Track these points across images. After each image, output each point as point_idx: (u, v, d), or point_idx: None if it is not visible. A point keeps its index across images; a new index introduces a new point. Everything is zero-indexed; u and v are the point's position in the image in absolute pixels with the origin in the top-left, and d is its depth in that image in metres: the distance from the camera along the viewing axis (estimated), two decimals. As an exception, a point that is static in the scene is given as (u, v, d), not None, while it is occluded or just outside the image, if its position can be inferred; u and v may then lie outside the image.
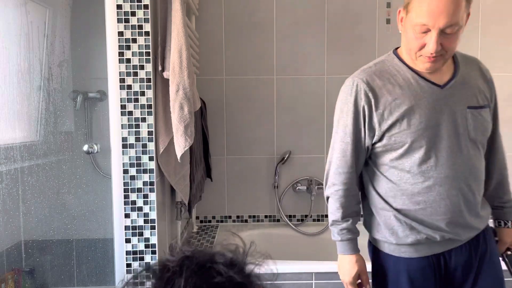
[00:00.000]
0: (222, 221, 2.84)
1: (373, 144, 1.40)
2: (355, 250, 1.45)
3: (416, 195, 1.36)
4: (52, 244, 2.27)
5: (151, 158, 1.85)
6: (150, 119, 1.85)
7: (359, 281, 1.47)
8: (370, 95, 1.36)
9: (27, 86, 2.19)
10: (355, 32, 2.75)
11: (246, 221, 2.84)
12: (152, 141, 1.85)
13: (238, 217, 2.83)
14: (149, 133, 1.85)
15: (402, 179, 1.37)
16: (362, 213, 1.51)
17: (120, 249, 1.87)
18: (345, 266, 1.46)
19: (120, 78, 1.82)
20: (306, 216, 2.80)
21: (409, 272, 1.41)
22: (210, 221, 2.84)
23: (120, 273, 1.87)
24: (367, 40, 2.75)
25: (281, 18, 2.74)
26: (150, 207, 1.86)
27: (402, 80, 1.37)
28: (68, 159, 2.28)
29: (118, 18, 1.80)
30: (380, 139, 1.37)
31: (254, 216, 2.83)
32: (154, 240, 1.87)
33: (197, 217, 2.83)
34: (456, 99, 1.35)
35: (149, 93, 1.84)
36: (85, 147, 2.23)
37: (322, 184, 2.77)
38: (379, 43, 2.75)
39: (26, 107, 2.21)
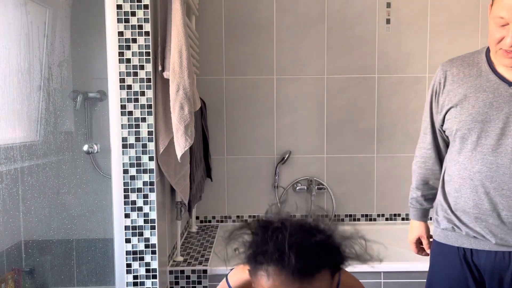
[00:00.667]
0: (222, 221, 2.84)
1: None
2: (419, 218, 1.59)
3: (456, 183, 1.41)
4: (52, 244, 2.27)
5: (151, 158, 1.86)
6: (150, 119, 1.85)
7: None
8: (442, 81, 1.45)
9: (27, 86, 2.19)
10: (355, 32, 2.75)
11: (246, 221, 2.83)
12: (152, 141, 1.85)
13: (238, 217, 2.84)
14: (149, 133, 1.85)
15: (449, 165, 1.44)
16: None
17: (120, 249, 1.87)
18: (410, 227, 1.63)
19: (120, 78, 1.83)
20: (306, 216, 2.79)
21: (433, 254, 1.51)
22: (210, 221, 2.85)
23: (120, 273, 1.87)
24: (367, 40, 2.75)
25: (281, 18, 2.74)
26: (150, 207, 1.86)
27: (475, 72, 1.39)
28: (68, 159, 2.28)
29: (118, 18, 1.80)
30: (442, 124, 1.46)
31: (254, 216, 2.83)
32: (154, 240, 1.87)
33: (197, 217, 2.83)
34: None
35: (149, 93, 1.84)
36: (85, 147, 2.23)
37: (322, 184, 2.79)
38: (379, 43, 2.75)
39: (26, 107, 2.21)
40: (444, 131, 1.48)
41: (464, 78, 1.39)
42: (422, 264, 2.10)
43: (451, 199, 1.43)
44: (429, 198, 1.58)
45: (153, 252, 1.87)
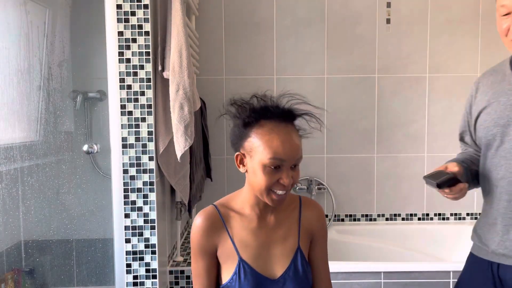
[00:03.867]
0: (222, 221, 2.83)
1: None
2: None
3: (484, 192, 1.38)
4: (52, 244, 2.27)
5: (151, 158, 1.85)
6: (150, 119, 1.85)
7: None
8: (474, 93, 1.42)
9: (27, 86, 2.19)
10: (355, 32, 2.75)
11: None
12: (152, 141, 1.85)
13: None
14: (149, 133, 1.85)
15: (480, 176, 1.40)
16: None
17: (120, 249, 1.87)
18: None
19: (120, 78, 1.82)
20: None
21: (466, 264, 1.46)
22: (210, 221, 2.84)
23: (120, 273, 1.87)
24: (367, 40, 2.75)
25: (281, 18, 2.74)
26: (150, 207, 1.86)
27: (499, 78, 1.35)
28: (68, 159, 2.28)
29: (118, 18, 1.80)
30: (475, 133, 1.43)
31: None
32: (154, 240, 1.87)
33: (197, 217, 2.83)
34: None
35: (149, 93, 1.84)
36: (85, 147, 2.22)
37: (322, 184, 2.78)
38: (379, 43, 2.75)
39: (26, 107, 2.21)
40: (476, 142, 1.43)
41: (490, 85, 1.35)
42: (422, 264, 2.10)
43: (483, 211, 1.39)
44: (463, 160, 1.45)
45: (153, 252, 1.87)
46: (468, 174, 1.40)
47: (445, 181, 1.26)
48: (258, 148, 1.14)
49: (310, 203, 1.31)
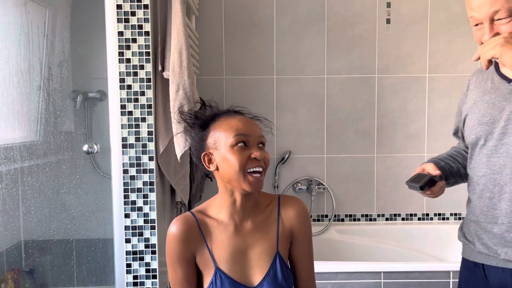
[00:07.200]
0: (222, 221, 2.84)
1: None
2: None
3: (469, 191, 1.38)
4: (52, 244, 2.27)
5: (151, 158, 1.85)
6: (150, 119, 1.85)
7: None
8: (465, 91, 1.43)
9: (27, 86, 2.19)
10: (355, 32, 2.75)
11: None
12: (152, 141, 1.85)
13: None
14: (149, 133, 1.85)
15: (468, 174, 1.40)
16: None
17: (120, 249, 1.87)
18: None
19: (120, 78, 1.82)
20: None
21: (460, 271, 1.46)
22: (210, 221, 2.84)
23: (120, 273, 1.87)
24: (367, 40, 2.75)
25: (281, 18, 2.74)
26: (150, 207, 1.86)
27: (485, 76, 1.36)
28: (68, 159, 2.28)
29: (118, 18, 1.80)
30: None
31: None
32: (154, 240, 1.87)
33: (197, 217, 2.83)
34: None
35: (149, 93, 1.84)
36: (85, 147, 2.22)
37: (322, 184, 2.78)
38: (379, 43, 2.75)
39: (26, 107, 2.21)
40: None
41: (478, 84, 1.36)
42: (422, 264, 2.10)
43: (467, 209, 1.39)
44: (445, 159, 1.46)
45: (153, 252, 1.87)
46: (448, 172, 1.43)
47: (426, 183, 1.32)
48: (220, 135, 1.15)
49: (289, 200, 1.28)
